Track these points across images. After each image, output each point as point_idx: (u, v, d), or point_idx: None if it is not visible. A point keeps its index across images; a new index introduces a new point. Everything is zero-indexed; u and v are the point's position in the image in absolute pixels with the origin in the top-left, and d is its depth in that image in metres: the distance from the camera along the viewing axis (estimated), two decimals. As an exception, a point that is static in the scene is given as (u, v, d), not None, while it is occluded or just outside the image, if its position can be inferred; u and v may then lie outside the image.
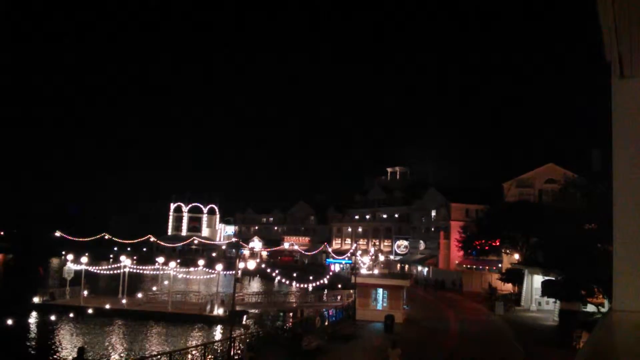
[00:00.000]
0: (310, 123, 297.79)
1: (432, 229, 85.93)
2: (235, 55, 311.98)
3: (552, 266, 38.21)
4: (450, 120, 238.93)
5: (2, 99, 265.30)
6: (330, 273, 70.70)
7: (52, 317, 39.68)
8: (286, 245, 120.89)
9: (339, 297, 54.38)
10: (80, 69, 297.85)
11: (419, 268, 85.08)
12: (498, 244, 58.24)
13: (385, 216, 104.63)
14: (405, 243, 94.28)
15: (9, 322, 26.89)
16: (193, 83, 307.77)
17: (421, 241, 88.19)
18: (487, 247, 60.14)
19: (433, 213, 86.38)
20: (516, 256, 53.99)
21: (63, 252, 71.71)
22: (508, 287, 56.76)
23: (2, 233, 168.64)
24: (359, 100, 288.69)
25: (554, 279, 38.51)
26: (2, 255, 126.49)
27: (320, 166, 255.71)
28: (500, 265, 64.30)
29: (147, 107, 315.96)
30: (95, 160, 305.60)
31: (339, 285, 65.12)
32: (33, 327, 40.84)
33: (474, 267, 69.85)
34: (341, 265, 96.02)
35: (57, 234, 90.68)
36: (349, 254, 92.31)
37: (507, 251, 58.33)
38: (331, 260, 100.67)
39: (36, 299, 47.99)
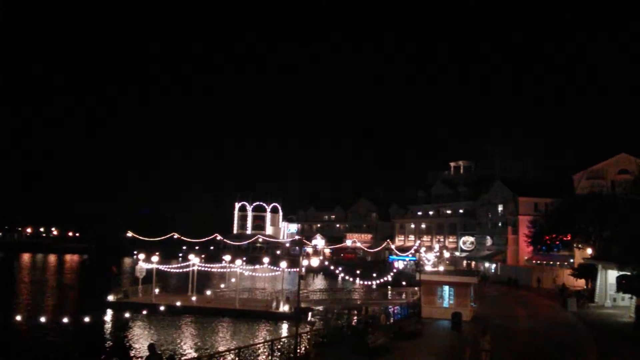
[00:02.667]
0: (372, 120, 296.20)
1: (499, 224, 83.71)
2: (286, 51, 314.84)
3: (628, 261, 36.42)
4: (517, 111, 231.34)
5: (73, 101, 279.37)
6: (394, 270, 70.16)
7: (126, 315, 41.25)
8: (348, 243, 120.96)
9: (403, 295, 53.84)
10: (153, 69, 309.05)
11: (486, 264, 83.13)
12: (569, 238, 56.05)
13: (449, 212, 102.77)
14: (471, 239, 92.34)
15: (86, 319, 28.24)
16: (251, 82, 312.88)
17: (488, 237, 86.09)
18: (557, 242, 58.00)
19: (500, 208, 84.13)
20: (589, 251, 51.76)
21: (135, 252, 74.67)
22: (580, 282, 54.76)
23: (78, 235, 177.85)
24: (421, 96, 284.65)
25: (629, 274, 36.74)
26: (78, 256, 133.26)
27: (381, 163, 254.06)
28: (572, 260, 61.94)
29: (208, 108, 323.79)
30: (161, 162, 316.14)
31: (404, 283, 64.46)
32: (108, 324, 42.69)
33: (544, 262, 67.52)
34: (405, 262, 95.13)
35: (129, 234, 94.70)
36: (412, 251, 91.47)
37: (579, 246, 56.06)
38: (394, 257, 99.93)
39: (111, 297, 50.20)
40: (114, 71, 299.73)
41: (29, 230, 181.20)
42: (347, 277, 57.95)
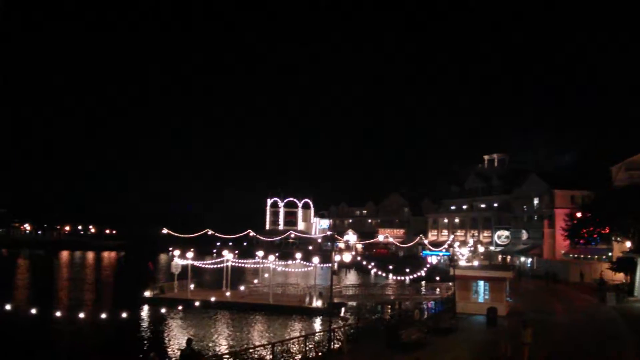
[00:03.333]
0: (402, 113, 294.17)
1: (535, 218, 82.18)
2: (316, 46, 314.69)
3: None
4: (551, 101, 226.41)
5: (108, 101, 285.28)
6: (428, 265, 69.55)
7: (163, 310, 41.97)
8: (380, 238, 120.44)
9: (437, 290, 53.39)
10: (187, 68, 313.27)
11: (522, 259, 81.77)
12: (607, 231, 54.68)
13: (483, 206, 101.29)
14: (506, 233, 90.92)
15: (124, 315, 28.84)
16: (284, 78, 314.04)
17: (523, 231, 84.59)
18: (595, 235, 56.62)
19: (535, 201, 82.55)
20: (628, 244, 50.40)
21: (170, 248, 75.77)
22: (619, 276, 53.40)
23: (114, 232, 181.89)
24: (453, 88, 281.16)
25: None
26: (115, 253, 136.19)
27: (413, 157, 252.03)
28: (610, 254, 60.40)
29: (235, 104, 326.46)
30: (192, 159, 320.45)
31: (437, 278, 63.92)
32: (145, 320, 43.47)
33: (582, 256, 65.98)
34: (438, 257, 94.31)
35: (164, 231, 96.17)
36: (446, 246, 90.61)
37: (618, 239, 54.67)
38: (428, 252, 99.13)
39: (147, 293, 51.11)
40: (134, 69, 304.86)
41: (67, 228, 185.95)
42: (379, 273, 57.68)
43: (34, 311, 26.66)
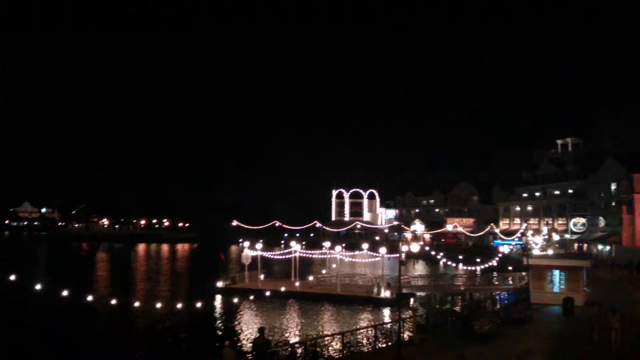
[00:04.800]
0: (470, 101, 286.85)
1: (613, 204, 78.28)
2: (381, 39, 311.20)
3: None
4: (627, 79, 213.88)
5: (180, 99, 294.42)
6: (499, 255, 67.72)
7: (235, 300, 43.01)
8: (449, 227, 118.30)
9: (510, 280, 51.88)
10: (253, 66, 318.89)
11: (599, 247, 78.14)
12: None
13: (557, 192, 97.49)
14: (582, 220, 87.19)
15: (198, 304, 29.80)
16: (344, 70, 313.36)
17: (600, 218, 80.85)
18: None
19: (613, 186, 78.67)
20: None
21: (240, 240, 77.61)
22: None
23: (187, 225, 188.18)
24: (525, 74, 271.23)
25: None
26: (188, 245, 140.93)
27: (481, 144, 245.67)
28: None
29: (304, 97, 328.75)
30: (258, 152, 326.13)
31: (510, 268, 62.09)
32: (218, 309, 44.78)
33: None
34: (510, 247, 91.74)
35: (234, 223, 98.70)
36: (518, 235, 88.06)
37: None
38: (499, 241, 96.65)
39: (219, 283, 52.66)
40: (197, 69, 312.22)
41: (143, 222, 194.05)
42: (448, 263, 56.65)
43: (113, 302, 27.95)
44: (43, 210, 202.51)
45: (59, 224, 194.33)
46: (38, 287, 23.35)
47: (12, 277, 21.27)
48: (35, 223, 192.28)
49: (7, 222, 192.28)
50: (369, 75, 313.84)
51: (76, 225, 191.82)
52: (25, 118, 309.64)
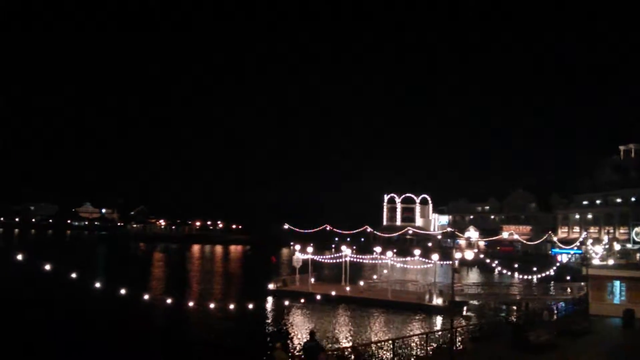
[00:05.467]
0: (526, 107, 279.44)
1: (680, 213, 74.46)
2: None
3: None
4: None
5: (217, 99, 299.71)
6: (557, 264, 65.57)
7: (286, 302, 43.37)
8: (505, 235, 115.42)
9: (568, 290, 50.15)
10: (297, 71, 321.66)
11: (666, 258, 74.45)
12: None
13: (619, 200, 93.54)
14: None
15: (250, 306, 30.25)
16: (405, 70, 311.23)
17: (666, 227, 77.04)
18: None
19: (681, 194, 74.82)
20: None
21: (291, 243, 78.32)
22: None
23: (241, 227, 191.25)
24: (584, 77, 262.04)
25: None
26: (241, 247, 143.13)
27: (540, 150, 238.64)
28: None
29: (356, 99, 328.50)
30: (309, 159, 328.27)
31: (568, 277, 60.06)
32: (270, 311, 45.26)
33: None
34: (569, 256, 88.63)
35: (286, 226, 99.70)
36: (577, 243, 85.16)
37: None
38: (557, 250, 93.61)
39: (271, 286, 53.22)
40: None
41: (198, 223, 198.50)
42: (504, 271, 55.27)
43: (169, 301, 28.71)
44: (103, 210, 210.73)
45: (118, 224, 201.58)
46: (98, 285, 24.25)
47: (74, 275, 22.14)
48: (96, 223, 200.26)
49: (69, 221, 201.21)
50: (430, 78, 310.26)
51: (134, 225, 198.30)
52: (82, 122, 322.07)
